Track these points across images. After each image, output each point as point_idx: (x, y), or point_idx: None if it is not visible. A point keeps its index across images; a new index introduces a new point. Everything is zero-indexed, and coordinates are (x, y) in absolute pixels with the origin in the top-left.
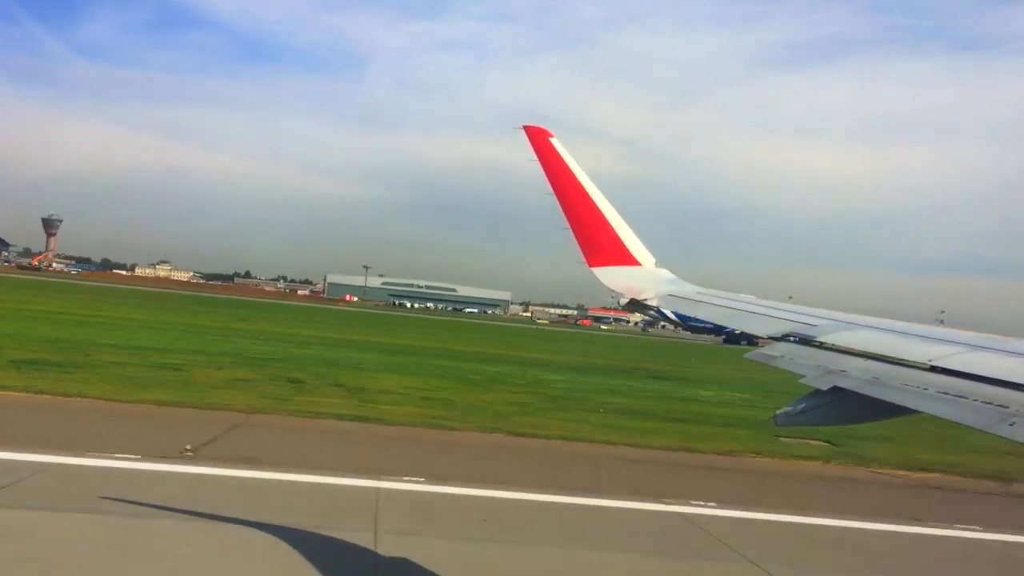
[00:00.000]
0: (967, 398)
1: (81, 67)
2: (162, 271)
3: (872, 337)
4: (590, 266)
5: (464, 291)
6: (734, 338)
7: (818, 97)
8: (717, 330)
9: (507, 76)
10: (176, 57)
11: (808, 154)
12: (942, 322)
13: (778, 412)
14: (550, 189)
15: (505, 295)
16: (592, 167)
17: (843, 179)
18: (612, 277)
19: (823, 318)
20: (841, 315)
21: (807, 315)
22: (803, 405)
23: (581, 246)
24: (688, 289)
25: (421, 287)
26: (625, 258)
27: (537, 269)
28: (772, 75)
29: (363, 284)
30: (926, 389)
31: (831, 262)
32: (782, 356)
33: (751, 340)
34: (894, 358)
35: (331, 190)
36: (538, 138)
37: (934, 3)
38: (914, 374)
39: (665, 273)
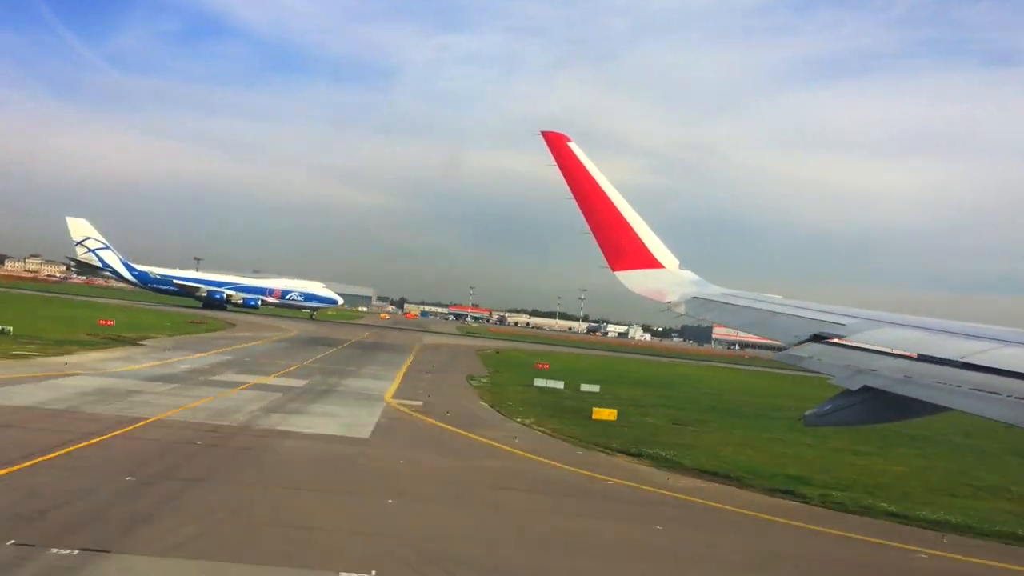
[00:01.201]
0: (1001, 394)
1: (109, 75)
2: (32, 265)
3: (903, 335)
4: (613, 270)
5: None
6: (213, 303)
7: (847, 111)
8: (184, 292)
9: (533, 88)
10: (203, 67)
11: (837, 168)
12: None
13: (806, 413)
14: (570, 193)
15: (367, 291)
16: (617, 178)
17: (872, 194)
18: (636, 280)
19: (852, 317)
20: (870, 313)
21: (836, 315)
22: (832, 405)
23: (603, 250)
24: (713, 290)
25: None
26: (648, 261)
27: (551, 279)
28: (799, 89)
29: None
30: (959, 386)
31: (857, 278)
32: (810, 357)
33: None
34: (925, 356)
35: (341, 196)
36: (557, 143)
37: (965, 16)
38: (946, 371)
39: (689, 275)
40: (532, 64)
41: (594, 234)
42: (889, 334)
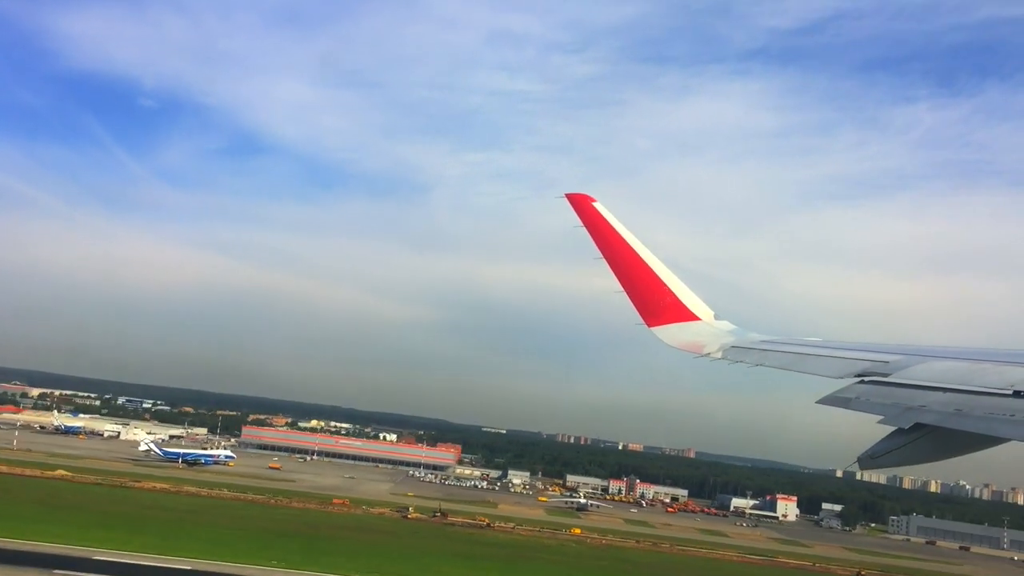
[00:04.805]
0: None
1: (161, 190)
2: None
3: (948, 367)
4: (649, 326)
5: None
6: None
7: (872, 229)
8: None
9: (561, 203)
10: (245, 182)
11: (860, 285)
12: None
13: (860, 456)
14: (599, 253)
15: None
16: None
17: (897, 310)
18: (673, 335)
19: (895, 354)
20: (913, 348)
21: (878, 352)
22: (885, 446)
23: (637, 307)
24: (752, 338)
25: None
26: (683, 314)
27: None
28: (825, 207)
29: None
30: (1012, 415)
31: None
32: (857, 398)
33: None
34: (974, 388)
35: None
36: (581, 204)
37: (985, 140)
38: (998, 401)
39: (726, 325)
40: (561, 181)
41: (627, 292)
42: (934, 368)
